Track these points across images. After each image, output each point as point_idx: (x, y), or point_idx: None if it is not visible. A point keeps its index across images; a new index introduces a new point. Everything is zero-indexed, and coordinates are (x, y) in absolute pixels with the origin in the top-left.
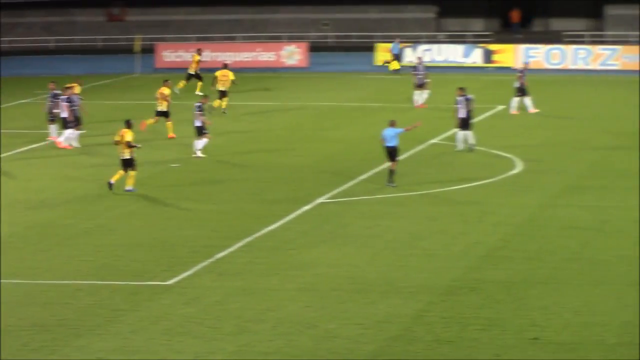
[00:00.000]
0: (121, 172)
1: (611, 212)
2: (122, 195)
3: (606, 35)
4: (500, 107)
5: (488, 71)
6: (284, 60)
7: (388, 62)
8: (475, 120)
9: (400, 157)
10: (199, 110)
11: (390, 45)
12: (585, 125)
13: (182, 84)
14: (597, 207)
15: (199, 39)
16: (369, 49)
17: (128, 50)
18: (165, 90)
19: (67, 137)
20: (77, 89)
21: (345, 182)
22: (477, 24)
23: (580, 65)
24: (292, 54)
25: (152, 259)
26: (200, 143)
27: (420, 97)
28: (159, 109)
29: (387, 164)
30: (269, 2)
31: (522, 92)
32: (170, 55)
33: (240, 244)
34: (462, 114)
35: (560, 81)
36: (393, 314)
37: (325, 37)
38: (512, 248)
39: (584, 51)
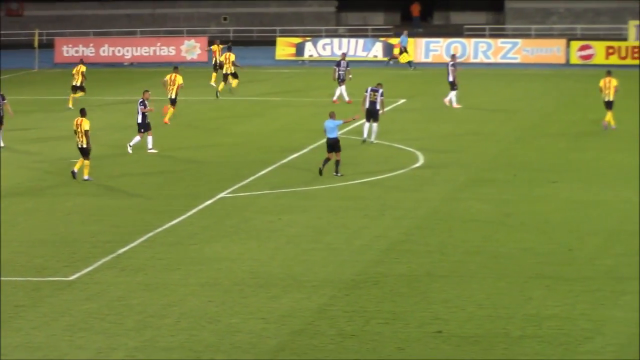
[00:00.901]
0: (84, 161)
1: (514, 205)
2: (22, 191)
3: (507, 29)
4: (402, 101)
5: (389, 65)
6: (184, 54)
7: (395, 57)
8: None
9: (303, 151)
10: (142, 106)
11: (296, 39)
12: (486, 118)
13: (234, 82)
14: (499, 200)
15: (98, 34)
16: (270, 43)
17: (27, 45)
18: (180, 80)
19: None
20: None
21: (247, 177)
22: (377, 18)
23: (481, 59)
24: (192, 49)
25: (53, 254)
26: (137, 139)
27: (341, 91)
28: (171, 96)
29: (326, 155)
30: None
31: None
32: (70, 50)
33: (142, 239)
34: (366, 104)
35: (461, 74)
36: (296, 308)
37: (225, 31)
38: (415, 242)
39: (485, 44)
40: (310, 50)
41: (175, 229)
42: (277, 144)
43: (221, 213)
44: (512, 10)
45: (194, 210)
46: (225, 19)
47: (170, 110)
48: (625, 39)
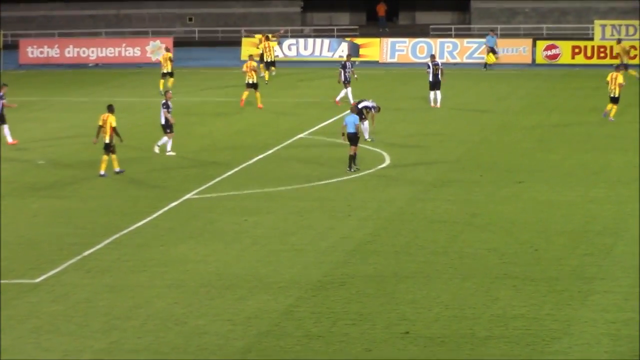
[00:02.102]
0: (106, 158)
1: (480, 206)
2: None
3: (472, 29)
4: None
5: (355, 65)
6: (149, 55)
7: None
8: (347, 112)
9: (269, 152)
10: (165, 108)
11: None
12: (452, 118)
13: (265, 73)
14: (465, 200)
15: (62, 35)
16: (235, 43)
17: None
18: (254, 64)
19: None
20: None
21: (213, 178)
22: (343, 18)
23: (447, 59)
24: (158, 49)
25: (18, 257)
26: (164, 140)
27: (347, 93)
28: (250, 81)
29: (349, 152)
30: None
31: (435, 85)
32: (34, 51)
33: (108, 240)
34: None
35: (427, 75)
36: (263, 309)
37: (191, 32)
38: (381, 242)
39: (451, 44)
40: (275, 51)
41: (141, 230)
42: (243, 144)
43: (187, 214)
44: (477, 10)
45: (159, 212)
46: (190, 19)
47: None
48: (591, 39)
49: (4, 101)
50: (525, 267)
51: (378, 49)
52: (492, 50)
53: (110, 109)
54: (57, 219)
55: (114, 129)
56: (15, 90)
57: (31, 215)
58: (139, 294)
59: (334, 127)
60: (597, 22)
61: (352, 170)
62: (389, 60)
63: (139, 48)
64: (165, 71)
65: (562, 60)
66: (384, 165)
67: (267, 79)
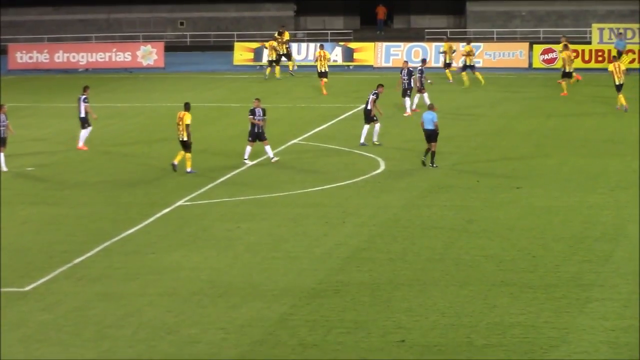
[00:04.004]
0: (182, 152)
1: (476, 212)
2: None
3: (468, 32)
4: (362, 107)
5: (349, 69)
6: (140, 60)
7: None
8: (341, 117)
9: (262, 157)
10: (251, 115)
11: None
12: (448, 123)
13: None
14: (461, 206)
15: (52, 40)
16: (227, 48)
17: None
18: (327, 54)
19: None
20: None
21: (205, 184)
22: (337, 22)
23: (443, 63)
24: (148, 54)
25: (8, 265)
26: (267, 148)
27: (412, 101)
28: (322, 70)
29: (426, 146)
30: (123, 2)
31: (420, 90)
32: (24, 56)
33: (99, 248)
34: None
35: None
36: (256, 317)
37: (182, 36)
38: (376, 249)
39: None
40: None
41: (132, 237)
42: (236, 150)
43: (179, 221)
44: (473, 13)
45: (151, 219)
46: (182, 24)
47: (324, 80)
48: (588, 42)
49: (87, 104)
50: (523, 274)
51: (372, 53)
52: (620, 54)
53: (187, 106)
54: (46, 226)
55: (186, 127)
56: (4, 96)
57: (20, 223)
58: (130, 302)
59: (328, 132)
60: (595, 26)
61: (434, 166)
62: (383, 64)
63: (129, 53)
64: (270, 59)
65: (559, 64)
66: (379, 171)
67: (277, 74)
